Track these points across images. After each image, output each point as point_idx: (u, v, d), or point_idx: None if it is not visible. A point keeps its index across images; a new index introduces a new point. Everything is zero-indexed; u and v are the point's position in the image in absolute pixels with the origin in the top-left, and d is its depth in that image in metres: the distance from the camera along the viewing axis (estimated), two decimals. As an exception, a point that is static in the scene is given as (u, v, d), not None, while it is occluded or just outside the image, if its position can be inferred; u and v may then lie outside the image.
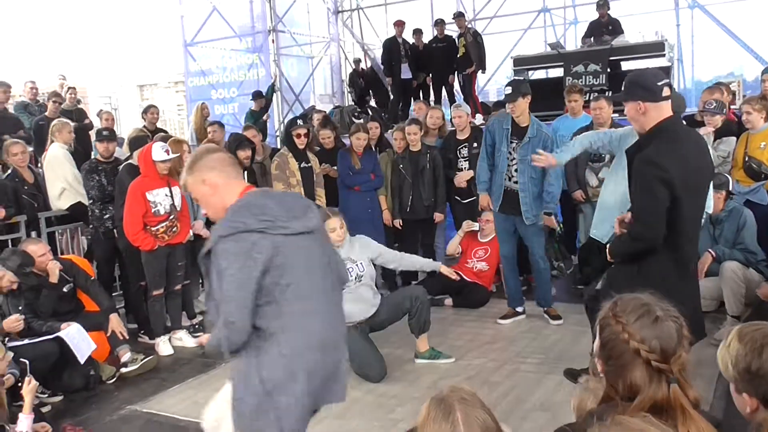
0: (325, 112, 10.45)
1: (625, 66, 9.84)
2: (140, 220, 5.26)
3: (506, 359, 4.83)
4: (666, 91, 3.06)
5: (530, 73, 11.25)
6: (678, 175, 2.96)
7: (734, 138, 5.59)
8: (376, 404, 4.18)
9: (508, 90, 5.22)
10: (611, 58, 9.51)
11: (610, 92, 8.64)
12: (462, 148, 6.46)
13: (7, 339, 4.36)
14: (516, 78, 7.06)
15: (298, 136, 6.16)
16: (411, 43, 11.57)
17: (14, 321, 4.50)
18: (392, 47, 11.60)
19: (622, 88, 3.24)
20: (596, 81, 9.35)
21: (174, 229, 5.36)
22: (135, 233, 5.28)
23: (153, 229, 5.30)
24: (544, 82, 11.13)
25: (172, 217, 5.34)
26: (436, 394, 1.71)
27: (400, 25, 11.70)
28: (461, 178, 6.44)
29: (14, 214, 5.84)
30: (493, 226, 5.98)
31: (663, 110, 3.06)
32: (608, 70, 9.36)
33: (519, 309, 5.69)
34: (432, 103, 11.58)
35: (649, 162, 3.01)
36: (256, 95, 11.17)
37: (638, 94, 3.06)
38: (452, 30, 11.80)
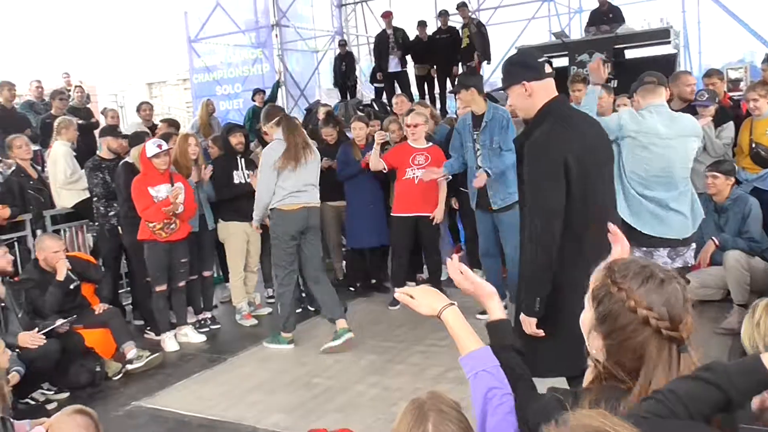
0: (330, 106, 10.44)
1: (630, 54, 9.76)
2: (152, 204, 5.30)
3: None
4: (548, 68, 2.77)
5: (535, 63, 11.18)
6: (573, 155, 2.62)
7: (732, 123, 5.58)
8: (380, 398, 4.18)
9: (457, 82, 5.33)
10: (616, 47, 9.43)
11: (616, 81, 8.57)
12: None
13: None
14: (465, 72, 7.08)
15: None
16: (403, 33, 11.50)
17: (32, 338, 4.39)
18: (381, 40, 11.59)
19: (502, 77, 2.91)
20: (601, 70, 9.27)
21: (172, 226, 5.37)
22: (151, 214, 5.31)
23: (150, 225, 5.32)
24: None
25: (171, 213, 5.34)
26: (416, 398, 1.69)
27: (387, 16, 11.67)
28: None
29: (19, 212, 5.87)
30: (422, 130, 5.94)
31: (549, 89, 2.74)
32: (613, 58, 9.28)
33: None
34: (437, 96, 11.59)
35: (541, 145, 2.68)
36: (256, 92, 11.20)
37: (521, 74, 2.73)
38: (456, 21, 11.75)
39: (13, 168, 6.29)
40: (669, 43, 9.48)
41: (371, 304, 6.36)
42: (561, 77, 8.45)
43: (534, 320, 2.70)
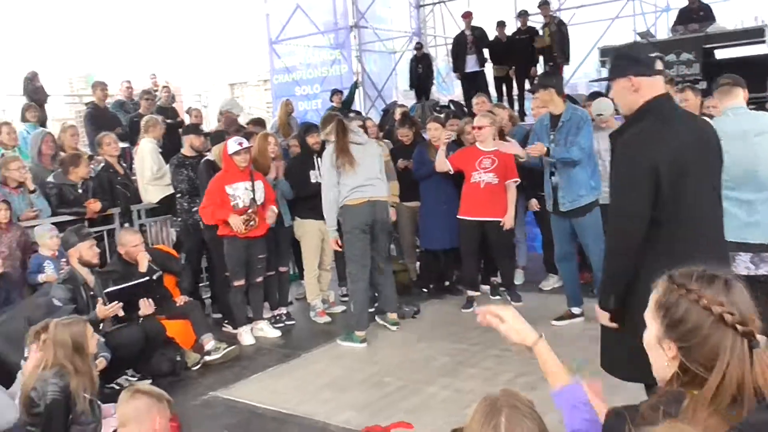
0: (406, 107, 10.47)
1: (720, 54, 9.34)
2: (215, 206, 5.48)
3: (590, 358, 4.68)
4: (659, 65, 2.68)
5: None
6: (665, 156, 2.51)
7: None
8: (451, 400, 4.15)
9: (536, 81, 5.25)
10: (705, 46, 9.04)
11: (705, 82, 8.22)
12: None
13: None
14: (546, 71, 7.00)
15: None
16: (481, 32, 11.38)
17: (109, 308, 4.63)
18: (460, 40, 11.52)
19: (609, 66, 2.80)
20: (689, 70, 8.93)
21: (252, 223, 5.49)
22: (209, 215, 5.55)
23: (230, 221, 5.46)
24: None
25: (250, 210, 5.47)
26: (489, 395, 1.67)
27: (467, 16, 11.60)
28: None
29: (109, 206, 6.14)
30: (487, 132, 5.84)
31: (656, 86, 2.63)
32: (702, 58, 8.91)
33: (576, 311, 5.48)
34: (515, 97, 11.43)
35: (631, 146, 2.60)
36: (334, 92, 11.34)
37: (629, 68, 2.62)
38: (535, 21, 11.56)
39: (102, 164, 6.60)
40: (764, 42, 9.01)
41: (444, 305, 6.32)
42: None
43: (607, 314, 2.72)
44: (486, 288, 6.44)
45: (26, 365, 3.67)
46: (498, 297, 6.32)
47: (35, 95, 9.37)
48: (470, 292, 6.11)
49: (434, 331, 5.58)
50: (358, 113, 8.97)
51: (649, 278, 2.40)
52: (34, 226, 5.47)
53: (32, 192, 5.72)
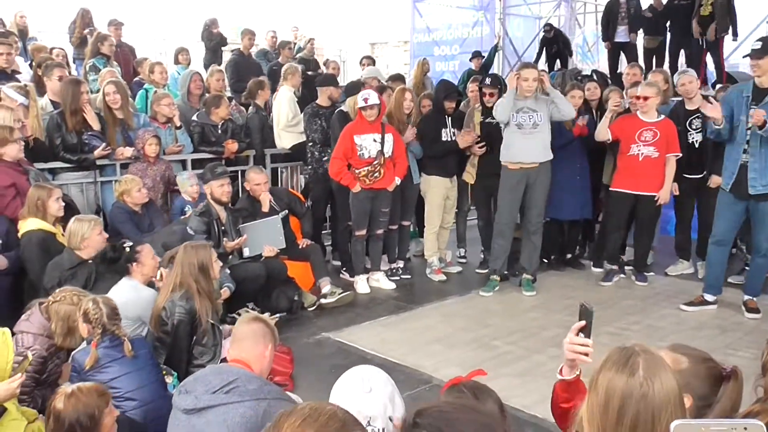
0: (546, 72, 10.09)
1: None
2: (343, 159, 5.58)
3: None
4: None
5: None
6: None
7: None
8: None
9: (758, 45, 4.63)
10: None
11: None
12: (694, 119, 5.82)
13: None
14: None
15: (485, 95, 5.95)
16: (636, 3, 10.67)
17: (237, 242, 4.97)
18: (612, 8, 10.86)
19: None
20: None
21: (376, 175, 5.56)
22: (336, 170, 5.65)
23: (356, 171, 5.55)
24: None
25: (376, 162, 5.53)
26: (620, 345, 1.57)
27: None
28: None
29: (245, 148, 6.42)
30: (652, 102, 5.51)
31: None
32: None
33: (710, 298, 5.14)
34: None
35: None
36: (474, 55, 11.12)
37: None
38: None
39: (253, 109, 6.90)
40: None
41: (563, 278, 6.15)
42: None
43: None
44: (614, 267, 6.17)
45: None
46: (623, 275, 6.05)
47: (212, 40, 9.87)
48: (608, 265, 5.98)
49: (550, 302, 5.45)
50: None
51: None
52: (176, 161, 5.83)
53: (178, 128, 6.08)
